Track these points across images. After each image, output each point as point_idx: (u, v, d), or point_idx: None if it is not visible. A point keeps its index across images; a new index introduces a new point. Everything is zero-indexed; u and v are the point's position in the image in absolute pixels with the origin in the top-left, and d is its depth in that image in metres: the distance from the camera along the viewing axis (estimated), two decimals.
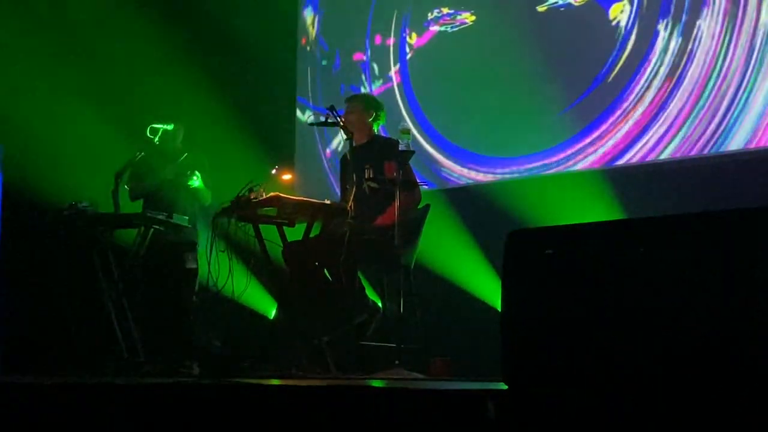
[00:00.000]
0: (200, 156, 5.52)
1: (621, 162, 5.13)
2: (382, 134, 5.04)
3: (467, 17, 5.91)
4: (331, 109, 4.70)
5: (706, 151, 4.80)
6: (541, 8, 5.54)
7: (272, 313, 5.51)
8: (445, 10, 5.99)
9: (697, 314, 1.64)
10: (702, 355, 1.62)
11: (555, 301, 1.82)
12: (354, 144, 4.77)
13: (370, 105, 4.95)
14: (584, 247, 1.84)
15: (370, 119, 4.90)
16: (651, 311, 1.70)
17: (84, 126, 6.04)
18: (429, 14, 6.07)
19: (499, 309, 1.96)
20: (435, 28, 6.04)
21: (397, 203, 4.41)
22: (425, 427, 1.75)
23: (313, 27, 6.78)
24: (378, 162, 4.64)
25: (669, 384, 1.64)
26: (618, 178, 5.04)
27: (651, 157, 5.01)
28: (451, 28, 5.96)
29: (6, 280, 5.69)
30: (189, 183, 5.31)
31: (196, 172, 5.32)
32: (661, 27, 5.04)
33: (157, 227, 5.03)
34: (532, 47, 5.42)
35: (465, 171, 5.83)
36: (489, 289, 5.24)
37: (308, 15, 6.83)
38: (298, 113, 6.73)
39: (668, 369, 1.66)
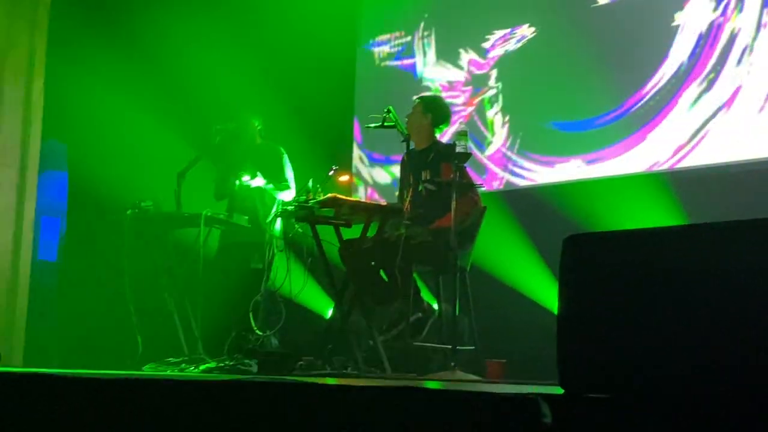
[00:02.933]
0: (276, 147, 5.53)
1: (684, 165, 5.04)
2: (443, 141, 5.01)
3: (524, 31, 5.86)
4: (388, 111, 4.72)
5: None
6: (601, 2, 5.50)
7: (329, 312, 5.55)
8: (499, 33, 5.96)
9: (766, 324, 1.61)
10: None
11: (614, 306, 1.81)
12: (413, 147, 4.78)
13: (428, 107, 4.92)
14: (645, 252, 1.82)
15: (428, 122, 4.89)
16: (714, 319, 1.68)
17: (147, 125, 6.14)
18: (484, 43, 6.03)
19: (555, 312, 1.95)
20: (497, 53, 5.99)
21: (453, 205, 4.40)
22: (478, 430, 1.76)
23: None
24: (436, 165, 4.64)
25: (737, 395, 1.62)
26: (682, 182, 4.95)
27: (716, 160, 4.91)
28: (515, 43, 5.91)
29: (70, 278, 5.83)
30: (245, 185, 5.33)
31: (258, 173, 5.33)
32: (729, 24, 4.94)
33: (224, 228, 5.11)
34: (592, 45, 5.38)
35: (524, 172, 5.80)
36: (544, 291, 5.20)
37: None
38: None
39: (735, 379, 1.64)
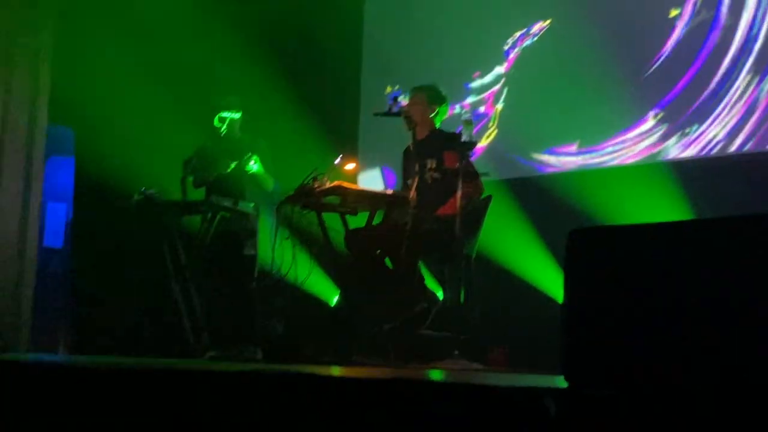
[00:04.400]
0: (259, 141, 5.54)
1: (691, 154, 5.03)
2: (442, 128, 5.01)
3: (542, 25, 5.84)
4: (395, 99, 4.71)
5: None
6: None
7: (334, 300, 5.56)
8: (517, 33, 5.93)
9: None
10: None
11: (618, 300, 1.81)
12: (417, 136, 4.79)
13: (434, 100, 4.92)
14: (650, 247, 1.82)
15: (432, 114, 4.89)
16: (721, 314, 1.68)
17: (154, 113, 6.14)
18: (504, 45, 6.00)
19: (559, 301, 1.95)
20: (516, 53, 5.96)
21: (459, 193, 4.40)
22: (482, 422, 1.76)
23: None
24: (440, 153, 4.65)
25: (743, 390, 1.62)
26: (689, 172, 4.93)
27: (721, 151, 4.90)
28: (531, 40, 5.89)
29: (77, 265, 5.84)
30: (247, 168, 5.32)
31: (255, 156, 5.33)
32: (741, 20, 4.92)
33: (223, 214, 5.11)
34: (599, 32, 5.37)
35: (531, 162, 5.79)
36: (549, 280, 5.21)
37: None
38: None
39: (742, 375, 1.64)
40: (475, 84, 6.15)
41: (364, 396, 2.01)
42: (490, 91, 6.07)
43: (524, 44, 5.88)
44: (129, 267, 5.18)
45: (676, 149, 5.10)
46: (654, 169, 5.06)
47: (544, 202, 5.41)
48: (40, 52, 5.76)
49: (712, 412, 1.58)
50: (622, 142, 5.33)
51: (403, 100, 4.83)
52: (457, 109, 5.87)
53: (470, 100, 6.15)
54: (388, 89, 6.36)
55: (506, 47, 5.98)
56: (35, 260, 5.44)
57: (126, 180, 5.54)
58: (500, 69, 6.02)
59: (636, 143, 5.27)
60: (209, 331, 5.08)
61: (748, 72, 4.83)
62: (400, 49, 6.62)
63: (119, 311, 5.29)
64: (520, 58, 5.92)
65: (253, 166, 5.31)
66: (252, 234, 5.31)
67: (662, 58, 5.20)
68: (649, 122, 5.21)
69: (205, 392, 2.35)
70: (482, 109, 6.08)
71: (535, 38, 5.84)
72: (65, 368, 2.67)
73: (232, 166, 5.35)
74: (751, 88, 4.80)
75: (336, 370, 3.38)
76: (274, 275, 4.94)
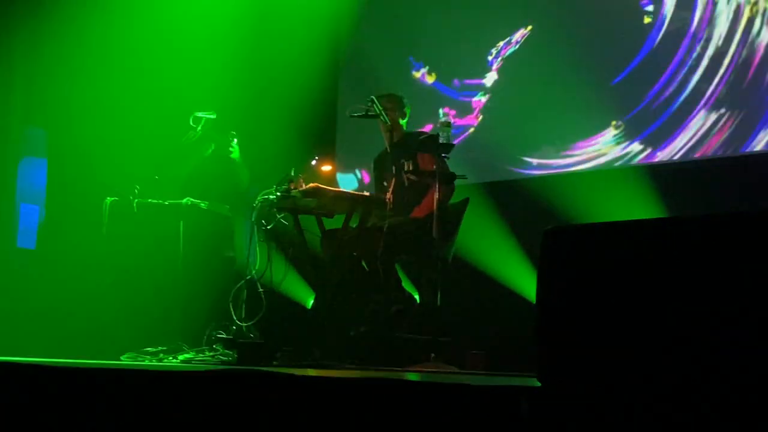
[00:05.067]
0: (231, 135, 5.52)
1: (663, 158, 5.07)
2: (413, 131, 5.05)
3: (523, 32, 5.85)
4: (372, 101, 4.71)
5: (756, 149, 4.71)
6: None
7: (310, 302, 5.55)
8: (501, 44, 5.94)
9: (742, 317, 1.62)
10: (748, 358, 1.60)
11: (591, 300, 1.82)
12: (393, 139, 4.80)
13: (404, 105, 5.01)
14: (623, 245, 1.82)
15: (400, 118, 4.97)
16: (692, 312, 1.68)
17: (127, 115, 6.11)
18: (488, 56, 6.01)
19: (534, 303, 1.95)
20: (499, 63, 5.97)
21: (436, 195, 4.41)
22: (457, 422, 1.76)
23: None
24: (415, 155, 4.65)
25: (710, 387, 1.63)
26: (660, 175, 4.97)
27: (693, 154, 4.95)
28: (513, 48, 5.90)
29: (49, 266, 5.79)
30: (231, 148, 5.28)
31: (234, 143, 5.30)
32: (715, 30, 4.97)
33: (198, 216, 5.09)
34: (576, 35, 5.41)
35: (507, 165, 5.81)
36: (525, 283, 5.22)
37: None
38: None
39: (710, 372, 1.64)
40: (457, 91, 6.16)
41: (339, 396, 2.00)
42: (472, 99, 6.08)
43: (507, 53, 5.90)
44: (102, 268, 5.13)
45: (649, 153, 5.13)
46: (628, 172, 5.10)
47: (521, 205, 5.43)
48: (14, 54, 5.70)
49: (686, 411, 1.59)
50: (597, 145, 5.36)
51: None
52: (441, 114, 5.90)
53: (450, 107, 6.16)
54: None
55: (490, 57, 5.99)
56: (7, 261, 5.38)
57: (99, 181, 5.50)
58: (482, 78, 6.03)
59: (610, 147, 5.31)
60: (183, 334, 5.05)
61: (721, 79, 4.87)
62: (378, 52, 6.63)
63: (91, 313, 5.24)
64: (502, 67, 5.93)
65: (235, 152, 5.28)
66: (229, 236, 5.30)
67: (636, 64, 5.24)
68: (623, 127, 5.24)
69: (178, 394, 2.33)
70: (463, 118, 6.08)
71: (517, 45, 5.86)
72: (37, 370, 2.64)
73: (212, 148, 5.32)
74: (722, 94, 4.85)
75: (311, 372, 3.37)
76: (250, 277, 4.92)
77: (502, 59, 5.91)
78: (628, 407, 1.65)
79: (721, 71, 4.88)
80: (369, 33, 6.79)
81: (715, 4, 4.94)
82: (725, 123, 4.84)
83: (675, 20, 5.10)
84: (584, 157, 5.43)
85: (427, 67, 6.31)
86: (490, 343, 4.89)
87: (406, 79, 6.30)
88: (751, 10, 4.78)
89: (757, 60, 4.74)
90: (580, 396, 1.69)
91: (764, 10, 4.74)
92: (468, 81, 6.09)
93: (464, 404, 1.75)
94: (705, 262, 1.68)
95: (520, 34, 5.85)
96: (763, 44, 4.71)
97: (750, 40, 4.77)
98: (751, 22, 4.78)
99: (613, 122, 5.27)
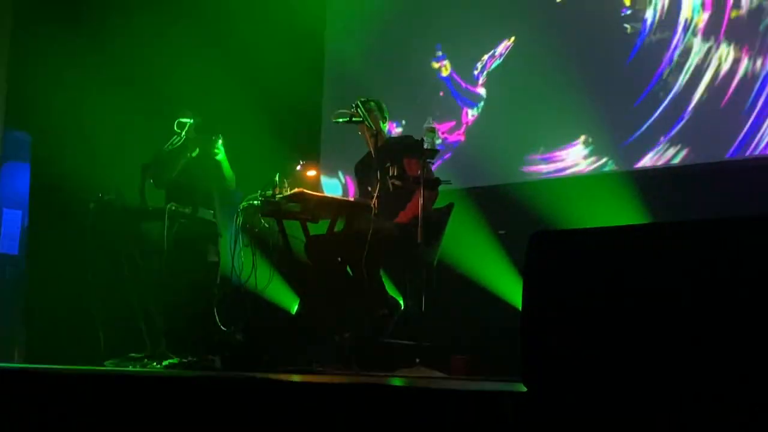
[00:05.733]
0: (217, 137, 5.50)
1: (648, 164, 5.09)
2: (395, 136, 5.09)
3: (508, 43, 5.86)
4: (356, 106, 4.71)
5: (745, 154, 4.74)
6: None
7: (294, 308, 5.53)
8: (485, 57, 5.95)
9: (727, 322, 1.62)
10: (732, 364, 1.61)
11: (577, 304, 1.82)
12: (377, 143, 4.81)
13: (384, 110, 5.05)
14: (608, 250, 1.83)
15: (384, 123, 5.02)
16: (677, 318, 1.69)
17: (112, 117, 6.08)
18: (474, 70, 6.02)
19: (520, 308, 1.96)
20: (484, 78, 5.98)
21: (420, 201, 4.41)
22: (442, 428, 1.76)
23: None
24: (400, 160, 4.66)
25: (695, 393, 1.64)
26: (645, 181, 4.99)
27: (678, 160, 4.97)
28: (498, 61, 5.91)
29: (32, 271, 5.75)
30: (216, 150, 5.23)
31: (219, 144, 5.27)
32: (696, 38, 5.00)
33: (182, 221, 5.07)
34: (562, 46, 5.43)
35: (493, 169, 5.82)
36: (510, 288, 5.23)
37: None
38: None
39: (694, 377, 1.65)
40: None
41: (324, 402, 1.99)
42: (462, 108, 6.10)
43: (492, 66, 5.91)
44: (85, 274, 5.10)
45: (634, 158, 5.16)
46: (613, 177, 5.12)
47: (505, 210, 5.44)
48: None
49: (672, 417, 1.59)
50: (581, 151, 5.38)
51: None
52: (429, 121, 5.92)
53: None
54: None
55: (476, 72, 6.00)
56: None
57: (83, 186, 5.47)
58: (468, 90, 6.04)
59: (594, 153, 5.33)
60: (167, 339, 5.02)
61: (705, 87, 4.91)
62: (362, 59, 6.63)
63: (76, 319, 5.21)
64: (489, 77, 5.94)
65: (220, 154, 5.24)
66: (214, 240, 5.27)
67: (621, 71, 5.27)
68: (607, 133, 5.27)
69: (163, 400, 2.32)
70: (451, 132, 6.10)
71: (502, 58, 5.87)
72: (21, 375, 2.62)
73: (196, 151, 5.30)
74: (703, 103, 4.89)
75: (296, 378, 3.36)
76: (234, 282, 4.90)
77: (487, 74, 5.92)
78: (613, 413, 1.65)
79: (705, 80, 4.91)
80: (353, 37, 6.79)
81: (695, 14, 4.98)
82: (707, 130, 4.88)
83: (657, 30, 5.13)
84: (569, 162, 5.45)
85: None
86: (474, 348, 4.90)
87: (390, 84, 6.30)
88: (731, 16, 4.82)
89: (738, 69, 4.78)
90: (565, 401, 1.69)
91: (742, 18, 4.78)
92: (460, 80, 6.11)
93: (451, 410, 1.74)
94: (689, 268, 1.69)
95: (503, 47, 5.86)
96: (744, 55, 4.75)
97: (729, 51, 4.81)
98: (731, 31, 4.82)
99: (598, 128, 5.29)
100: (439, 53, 6.23)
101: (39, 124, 6.01)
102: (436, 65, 6.24)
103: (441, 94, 6.18)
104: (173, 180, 5.42)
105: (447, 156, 6.00)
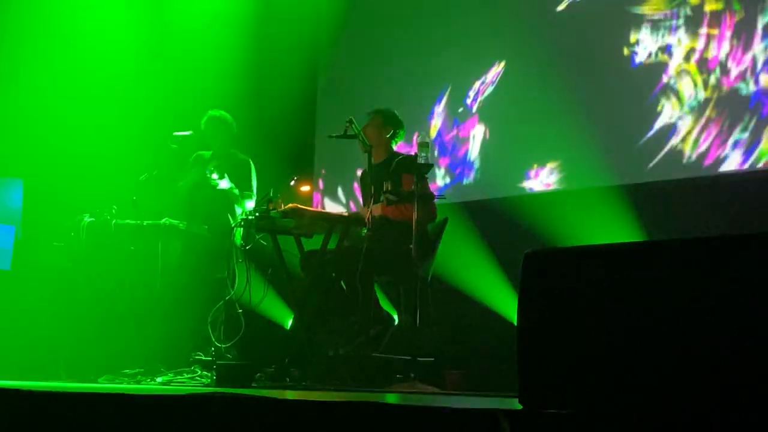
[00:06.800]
0: (244, 159, 5.47)
1: (642, 180, 5.10)
2: (400, 151, 5.01)
3: (498, 68, 5.87)
4: (350, 122, 4.71)
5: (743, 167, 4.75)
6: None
7: (288, 323, 5.52)
8: (477, 85, 5.96)
9: (723, 339, 1.62)
10: (728, 380, 1.61)
11: (573, 321, 1.82)
12: (372, 159, 4.78)
13: (390, 122, 4.92)
14: (603, 268, 1.83)
15: (388, 135, 4.90)
16: (673, 334, 1.69)
17: (106, 132, 6.07)
18: (468, 99, 6.02)
19: (515, 323, 1.96)
20: (478, 103, 5.99)
21: (415, 216, 4.40)
22: None
23: None
24: (397, 176, 4.65)
25: (692, 407, 1.63)
26: (642, 195, 4.99)
27: (676, 176, 4.97)
28: (491, 88, 5.91)
29: (25, 287, 5.72)
30: (212, 183, 5.23)
31: (226, 175, 5.26)
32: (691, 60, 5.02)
33: (193, 237, 5.06)
34: (551, 54, 5.45)
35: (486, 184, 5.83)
36: (504, 302, 5.22)
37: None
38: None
39: (691, 393, 1.65)
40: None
41: (318, 419, 1.98)
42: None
43: (485, 93, 5.92)
44: (79, 290, 5.08)
45: (628, 174, 5.16)
46: (607, 192, 5.11)
47: (501, 225, 5.43)
48: None
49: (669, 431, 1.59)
50: (576, 166, 5.39)
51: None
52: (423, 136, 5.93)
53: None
54: None
55: (468, 100, 6.01)
56: None
57: (76, 201, 5.46)
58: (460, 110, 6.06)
59: (588, 168, 5.32)
60: (162, 355, 5.01)
61: (698, 104, 4.93)
62: (356, 74, 6.65)
63: (68, 335, 5.18)
64: (482, 97, 5.95)
65: (222, 183, 5.22)
66: (222, 255, 5.18)
67: (615, 89, 5.28)
68: (601, 148, 5.27)
69: (156, 417, 2.30)
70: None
71: (494, 85, 5.87)
72: (14, 394, 2.60)
73: (194, 178, 5.29)
74: (696, 118, 4.91)
75: (291, 394, 3.34)
76: (229, 298, 4.89)
77: (481, 101, 5.93)
78: (609, 429, 1.65)
79: (699, 97, 4.93)
80: (348, 52, 6.81)
81: (689, 35, 5.00)
82: (700, 144, 4.89)
83: (652, 52, 5.14)
84: (562, 177, 5.46)
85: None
86: (469, 364, 4.89)
87: (384, 99, 6.31)
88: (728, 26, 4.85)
89: (728, 85, 4.80)
90: (561, 418, 1.69)
91: (734, 32, 4.80)
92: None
93: (447, 427, 1.74)
94: (684, 285, 1.69)
95: (494, 73, 5.88)
96: (732, 72, 4.78)
97: (721, 70, 4.84)
98: (724, 55, 4.85)
99: (601, 141, 5.28)
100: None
101: (31, 139, 5.99)
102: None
103: (435, 108, 6.19)
104: (185, 196, 5.40)
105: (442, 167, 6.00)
